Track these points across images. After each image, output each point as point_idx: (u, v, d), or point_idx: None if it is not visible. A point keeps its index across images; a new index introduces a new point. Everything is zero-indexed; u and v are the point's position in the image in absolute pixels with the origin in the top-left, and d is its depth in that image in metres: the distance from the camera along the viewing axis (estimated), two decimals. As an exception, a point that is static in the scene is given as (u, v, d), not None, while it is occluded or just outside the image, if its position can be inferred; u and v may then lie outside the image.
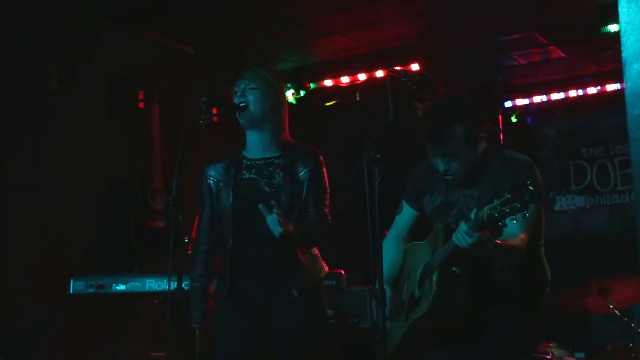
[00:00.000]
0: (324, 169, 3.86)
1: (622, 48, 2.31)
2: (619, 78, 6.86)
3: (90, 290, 5.19)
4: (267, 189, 3.75)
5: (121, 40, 6.12)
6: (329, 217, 3.84)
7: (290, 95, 7.53)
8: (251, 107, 3.78)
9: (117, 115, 6.04)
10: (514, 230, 3.10)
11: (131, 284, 5.25)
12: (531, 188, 2.79)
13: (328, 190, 3.86)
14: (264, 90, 3.83)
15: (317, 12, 6.33)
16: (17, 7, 5.47)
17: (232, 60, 7.13)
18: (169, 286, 3.61)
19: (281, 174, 3.75)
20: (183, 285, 3.60)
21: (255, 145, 3.84)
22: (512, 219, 2.84)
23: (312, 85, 7.61)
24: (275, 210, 3.54)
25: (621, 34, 2.35)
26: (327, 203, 3.85)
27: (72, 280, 5.19)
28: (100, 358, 5.74)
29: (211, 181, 3.85)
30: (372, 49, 7.04)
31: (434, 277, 3.21)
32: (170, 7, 5.98)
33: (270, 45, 6.94)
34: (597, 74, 7.57)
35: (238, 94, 3.81)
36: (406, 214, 3.68)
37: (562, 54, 7.21)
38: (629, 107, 2.32)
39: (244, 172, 3.81)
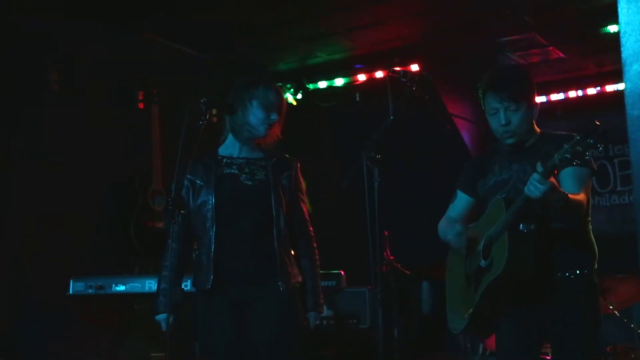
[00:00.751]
0: (300, 175, 3.95)
1: (621, 49, 2.32)
2: (618, 79, 6.88)
3: (90, 290, 5.19)
4: (249, 182, 3.80)
5: (121, 41, 6.12)
6: (311, 227, 3.93)
7: (289, 96, 7.54)
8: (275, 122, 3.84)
9: (117, 116, 6.04)
10: (572, 190, 3.15)
11: (131, 284, 5.25)
12: (598, 122, 2.80)
13: (304, 195, 3.97)
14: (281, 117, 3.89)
15: (316, 13, 6.33)
16: (16, 7, 5.48)
17: (232, 61, 7.14)
18: (169, 287, 3.61)
19: (263, 173, 3.82)
20: (182, 286, 3.60)
21: (239, 147, 3.88)
22: (588, 155, 2.84)
23: (311, 86, 7.61)
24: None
25: (621, 34, 2.36)
26: (307, 211, 3.94)
27: (71, 281, 5.20)
28: (100, 358, 5.74)
29: (187, 182, 3.86)
30: (372, 49, 7.04)
31: (504, 239, 3.19)
32: (170, 8, 5.98)
33: (270, 46, 6.94)
34: (597, 75, 7.58)
35: (262, 119, 3.80)
36: (461, 200, 3.68)
37: (561, 55, 7.22)
38: (628, 107, 2.32)
39: (224, 168, 3.85)
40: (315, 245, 3.92)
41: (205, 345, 3.84)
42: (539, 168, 2.98)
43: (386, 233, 5.42)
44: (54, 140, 5.62)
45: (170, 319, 3.55)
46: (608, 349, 5.35)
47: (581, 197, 3.21)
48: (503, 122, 3.34)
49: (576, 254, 3.35)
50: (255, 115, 3.80)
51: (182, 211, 3.56)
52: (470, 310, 3.41)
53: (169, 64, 6.48)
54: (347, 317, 5.72)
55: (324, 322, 5.62)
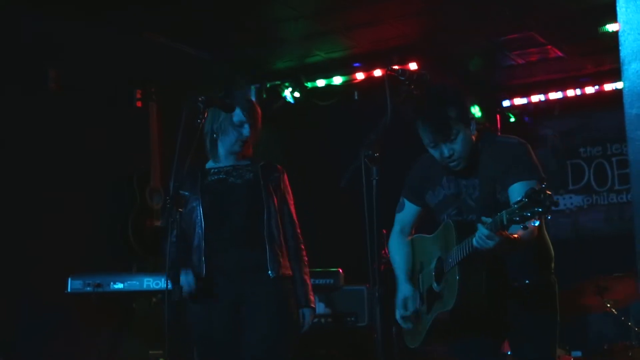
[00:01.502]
0: (288, 183, 4.04)
1: (620, 47, 2.32)
2: (617, 78, 6.88)
3: (88, 288, 5.18)
4: (238, 181, 3.88)
5: (119, 40, 6.12)
6: (299, 229, 4.00)
7: (288, 94, 7.54)
8: (248, 137, 3.91)
9: (115, 115, 6.04)
10: None
11: (129, 282, 5.25)
12: (549, 192, 2.78)
13: (293, 204, 4.04)
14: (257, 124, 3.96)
15: (315, 12, 6.33)
16: (15, 7, 5.48)
17: (230, 59, 7.14)
18: (167, 285, 3.61)
19: (251, 174, 3.90)
20: (181, 284, 3.60)
21: (224, 158, 3.94)
22: (535, 222, 2.84)
23: (310, 85, 7.61)
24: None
25: (619, 33, 2.36)
26: (295, 216, 4.02)
27: (69, 279, 5.19)
28: (98, 356, 5.74)
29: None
30: (371, 48, 7.04)
31: (455, 275, 3.22)
32: (167, 7, 5.98)
33: (268, 44, 6.94)
34: (595, 74, 7.58)
35: (236, 124, 3.88)
36: (408, 210, 3.70)
37: (560, 54, 7.22)
38: (626, 106, 2.32)
39: (211, 176, 3.93)
40: (302, 247, 4.00)
41: (202, 346, 3.87)
42: (484, 229, 2.97)
43: (384, 231, 5.43)
44: (51, 138, 5.61)
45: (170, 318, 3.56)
46: (605, 347, 5.37)
47: (535, 229, 3.15)
48: (447, 154, 3.35)
49: (529, 264, 3.36)
50: (226, 132, 3.87)
51: (180, 209, 3.57)
52: (423, 333, 3.49)
53: (167, 63, 6.48)
54: (345, 315, 5.72)
55: (322, 320, 5.62)
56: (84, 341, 5.60)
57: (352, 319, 5.69)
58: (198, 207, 3.85)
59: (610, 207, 7.72)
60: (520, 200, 2.82)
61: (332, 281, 5.20)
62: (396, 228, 3.75)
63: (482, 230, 2.98)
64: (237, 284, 3.79)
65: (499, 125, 7.94)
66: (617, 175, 7.74)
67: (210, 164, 3.99)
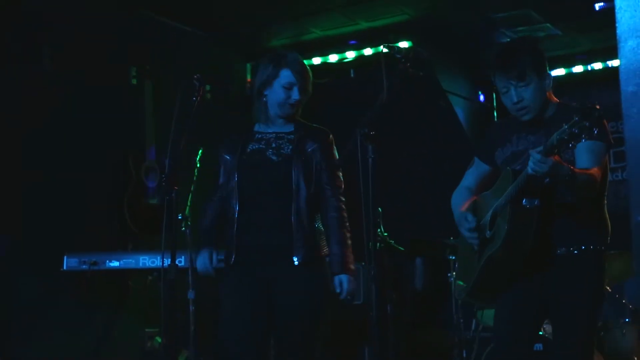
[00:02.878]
0: (334, 148, 3.88)
1: (616, 25, 2.31)
2: (613, 55, 6.87)
3: (84, 266, 5.20)
4: (274, 158, 3.78)
5: (114, 17, 6.09)
6: (343, 198, 3.85)
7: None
8: (298, 101, 3.83)
9: (110, 92, 6.02)
10: (586, 164, 3.15)
11: (125, 260, 5.26)
12: (598, 107, 2.80)
13: (340, 168, 3.87)
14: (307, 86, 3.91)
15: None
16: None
17: (226, 37, 7.11)
18: (163, 263, 3.62)
19: (290, 147, 3.79)
20: (176, 262, 3.61)
21: (270, 121, 3.86)
22: (583, 139, 2.84)
23: (305, 62, 7.57)
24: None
25: (616, 11, 2.35)
26: (342, 180, 3.86)
27: (65, 257, 5.20)
28: (94, 334, 5.76)
29: (221, 158, 3.89)
30: (366, 26, 7.01)
31: (506, 213, 3.21)
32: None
33: (264, 22, 6.91)
34: (591, 51, 7.57)
35: (284, 99, 3.81)
36: (478, 168, 3.69)
37: (556, 31, 7.20)
38: (622, 84, 2.32)
39: (253, 144, 3.84)
40: (345, 215, 3.82)
41: (226, 318, 3.80)
42: (536, 153, 2.98)
43: (380, 210, 5.44)
44: (45, 116, 5.59)
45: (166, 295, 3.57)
46: (600, 324, 5.39)
47: (592, 171, 3.18)
48: (515, 99, 3.34)
49: (583, 230, 3.33)
50: (277, 94, 3.79)
51: (175, 187, 3.56)
52: (473, 279, 3.46)
53: (162, 40, 6.45)
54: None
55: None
56: (79, 319, 5.61)
57: (348, 297, 5.69)
58: (234, 179, 3.78)
59: (606, 185, 7.74)
60: (572, 119, 2.83)
61: (327, 259, 5.20)
62: (464, 183, 3.72)
63: (534, 155, 2.98)
64: (265, 266, 3.72)
65: (494, 103, 7.94)
66: (613, 153, 7.73)
67: (257, 127, 3.88)
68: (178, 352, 4.98)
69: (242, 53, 7.54)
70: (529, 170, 3.02)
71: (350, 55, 7.43)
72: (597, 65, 7.60)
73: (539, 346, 4.75)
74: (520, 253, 3.26)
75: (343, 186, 3.86)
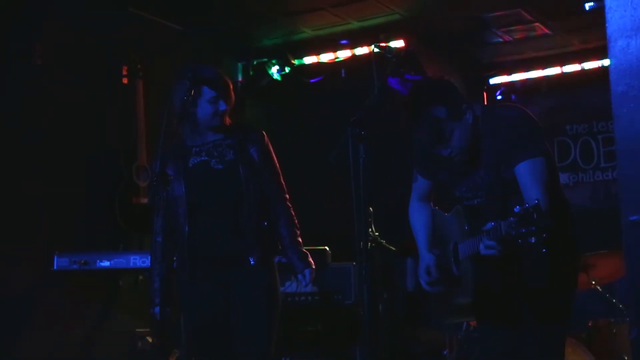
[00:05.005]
0: (271, 146, 3.99)
1: (607, 25, 2.31)
2: (603, 55, 6.88)
3: (75, 266, 5.19)
4: (219, 166, 3.85)
5: (105, 16, 6.07)
6: (287, 195, 3.98)
7: (274, 71, 7.51)
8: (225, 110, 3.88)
9: (101, 91, 6.00)
10: (534, 194, 3.10)
11: (115, 260, 5.25)
12: (542, 212, 2.79)
13: (278, 165, 4.02)
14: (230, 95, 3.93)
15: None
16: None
17: (217, 36, 7.09)
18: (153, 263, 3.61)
19: (231, 152, 3.86)
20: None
21: (204, 132, 3.90)
22: (532, 239, 2.83)
23: (296, 62, 7.58)
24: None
25: (606, 10, 2.35)
26: (281, 177, 4.00)
27: (56, 257, 5.19)
28: (84, 334, 5.74)
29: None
30: (358, 25, 7.01)
31: (469, 268, 3.26)
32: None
33: (255, 21, 6.90)
34: (581, 51, 7.58)
35: (212, 112, 3.85)
36: (422, 183, 3.70)
37: (546, 31, 7.21)
38: (613, 84, 2.32)
39: (193, 157, 3.90)
40: (293, 213, 3.97)
41: (190, 330, 3.89)
42: (487, 240, 2.99)
43: (371, 209, 5.44)
44: (37, 115, 5.58)
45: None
46: (590, 324, 5.40)
47: (543, 204, 3.10)
48: (446, 155, 3.31)
49: (545, 267, 3.31)
50: (203, 109, 3.81)
51: (167, 187, 3.57)
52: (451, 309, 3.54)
53: (153, 39, 6.44)
54: (332, 292, 5.74)
55: (309, 297, 5.64)
56: (70, 319, 5.60)
57: (339, 296, 5.70)
58: (181, 193, 3.84)
59: (596, 185, 7.75)
60: (517, 214, 2.82)
61: (319, 259, 5.21)
62: (414, 196, 3.73)
63: (485, 242, 3.01)
64: (221, 272, 3.80)
65: (485, 103, 7.94)
66: (603, 152, 7.75)
67: (190, 142, 3.93)
68: (169, 351, 4.98)
69: (234, 52, 7.53)
70: (481, 251, 3.05)
71: (342, 54, 7.43)
72: (587, 65, 7.61)
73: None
74: (490, 305, 3.35)
75: (284, 183, 3.98)
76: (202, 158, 3.88)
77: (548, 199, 3.16)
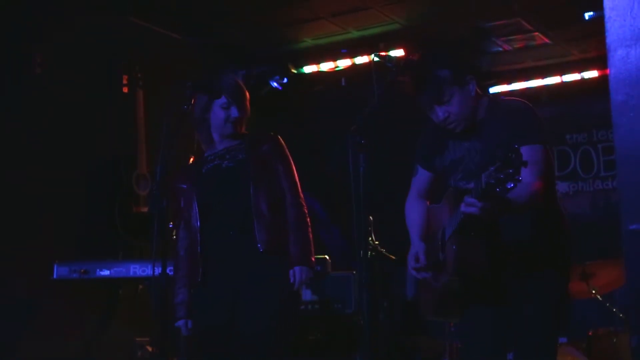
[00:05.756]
0: (286, 149, 3.95)
1: (606, 34, 2.32)
2: (602, 64, 6.90)
3: (74, 275, 5.18)
4: (230, 164, 3.85)
5: (105, 25, 6.08)
6: (301, 194, 3.90)
7: (275, 80, 7.52)
8: (238, 117, 3.86)
9: (101, 100, 6.01)
10: (528, 178, 3.05)
11: (115, 269, 5.25)
12: (519, 152, 2.75)
13: (293, 167, 3.95)
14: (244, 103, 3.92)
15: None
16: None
17: (217, 45, 7.11)
18: (154, 271, 3.61)
19: (243, 152, 3.86)
20: (167, 271, 3.61)
21: (218, 141, 3.92)
22: (510, 184, 2.78)
23: (296, 71, 7.59)
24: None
25: (605, 20, 2.36)
26: (297, 180, 3.92)
27: (55, 266, 5.18)
28: (84, 342, 5.73)
29: (177, 190, 3.93)
30: (358, 34, 7.03)
31: (452, 245, 3.21)
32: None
33: (255, 31, 6.91)
34: (581, 61, 7.60)
35: (224, 106, 3.85)
36: (421, 176, 3.68)
37: (546, 41, 7.23)
38: (612, 93, 2.32)
39: (206, 165, 3.91)
40: (304, 211, 3.86)
41: (198, 332, 3.86)
42: (467, 197, 2.96)
43: (371, 218, 5.44)
44: (37, 124, 5.58)
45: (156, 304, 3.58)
46: (590, 333, 5.40)
47: (534, 186, 3.12)
48: (441, 117, 3.31)
49: (529, 234, 3.29)
50: (216, 115, 3.82)
51: (167, 196, 3.57)
52: (434, 300, 3.49)
53: (153, 49, 6.45)
54: (332, 301, 5.74)
55: (309, 306, 5.63)
56: (69, 327, 5.59)
57: (339, 305, 5.70)
58: (194, 199, 3.84)
59: (596, 194, 7.75)
60: (495, 163, 2.78)
61: (319, 268, 5.20)
62: (412, 192, 3.72)
63: (466, 199, 2.97)
64: (233, 269, 3.77)
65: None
66: (603, 161, 7.76)
67: (207, 152, 3.95)
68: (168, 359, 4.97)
69: (234, 61, 7.54)
70: (462, 209, 3.01)
71: (342, 64, 7.44)
72: (587, 74, 7.62)
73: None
74: (474, 282, 3.26)
75: (298, 182, 3.91)
76: (215, 163, 3.89)
77: (542, 183, 3.16)
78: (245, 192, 3.77)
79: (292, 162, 3.96)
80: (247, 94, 3.95)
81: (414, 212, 3.67)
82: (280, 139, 3.97)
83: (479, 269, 3.19)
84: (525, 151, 3.06)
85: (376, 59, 3.42)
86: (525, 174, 2.94)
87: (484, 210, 2.95)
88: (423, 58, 3.39)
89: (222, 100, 3.84)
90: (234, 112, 3.85)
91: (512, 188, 2.81)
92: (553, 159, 3.41)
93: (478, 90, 3.38)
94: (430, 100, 3.30)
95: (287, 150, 3.96)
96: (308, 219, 3.89)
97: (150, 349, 5.47)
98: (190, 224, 3.86)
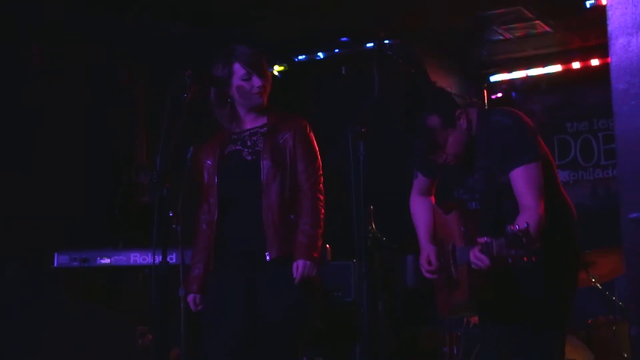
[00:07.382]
0: (311, 135, 3.86)
1: (608, 22, 2.31)
2: (603, 52, 6.88)
3: (75, 263, 5.18)
4: (249, 157, 3.80)
5: (105, 17, 6.07)
6: (321, 187, 3.83)
7: (275, 68, 7.50)
8: (262, 85, 3.81)
9: (100, 90, 6.00)
10: (527, 202, 3.12)
11: (116, 257, 5.25)
12: (532, 238, 2.82)
13: (318, 156, 3.86)
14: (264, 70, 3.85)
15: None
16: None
17: (217, 39, 7.08)
18: (154, 260, 3.61)
19: (262, 140, 3.78)
20: (168, 259, 3.60)
21: (243, 118, 3.86)
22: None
23: (297, 59, 7.57)
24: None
25: (607, 7, 2.35)
26: (318, 168, 3.85)
27: (56, 254, 5.19)
28: (84, 332, 5.74)
29: (202, 164, 3.91)
30: (358, 22, 7.00)
31: (466, 271, 3.25)
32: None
33: (255, 20, 6.89)
34: (582, 49, 7.58)
35: (244, 78, 3.79)
36: (422, 179, 3.72)
37: (547, 29, 7.21)
38: (613, 81, 2.32)
39: (230, 145, 3.85)
40: (319, 204, 3.79)
41: (209, 321, 3.83)
42: (477, 252, 3.02)
43: (372, 208, 5.44)
44: (37, 116, 5.58)
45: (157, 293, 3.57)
46: (590, 322, 5.41)
47: (536, 215, 3.13)
48: (440, 162, 3.36)
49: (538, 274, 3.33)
50: (238, 89, 3.79)
51: (167, 185, 3.56)
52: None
53: (153, 42, 6.43)
54: (332, 290, 5.74)
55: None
56: (69, 316, 5.60)
57: (339, 294, 5.71)
58: (214, 184, 3.82)
59: (596, 182, 7.75)
60: (508, 235, 2.83)
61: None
62: (415, 190, 3.75)
63: (476, 253, 3.02)
64: (243, 268, 3.75)
65: (485, 101, 7.94)
66: (603, 150, 7.75)
67: (231, 127, 3.90)
68: (169, 349, 4.97)
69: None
70: (471, 260, 3.07)
71: (342, 52, 7.41)
72: (588, 63, 7.60)
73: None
74: (489, 306, 3.39)
75: (320, 173, 3.83)
76: (237, 147, 3.83)
77: (542, 205, 3.18)
78: (258, 190, 3.73)
79: (315, 148, 3.86)
80: (263, 59, 3.87)
81: (420, 211, 3.71)
82: (305, 124, 3.87)
83: (493, 305, 3.32)
84: (520, 173, 3.13)
85: (377, 47, 3.42)
86: (527, 199, 3.07)
87: (493, 268, 3.03)
88: (411, 108, 3.36)
89: (241, 71, 3.78)
90: (256, 81, 3.79)
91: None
92: (551, 157, 3.48)
93: (467, 116, 3.36)
94: (427, 152, 3.33)
95: (311, 136, 3.86)
96: (322, 211, 3.81)
97: (150, 337, 5.48)
98: (210, 201, 3.84)
